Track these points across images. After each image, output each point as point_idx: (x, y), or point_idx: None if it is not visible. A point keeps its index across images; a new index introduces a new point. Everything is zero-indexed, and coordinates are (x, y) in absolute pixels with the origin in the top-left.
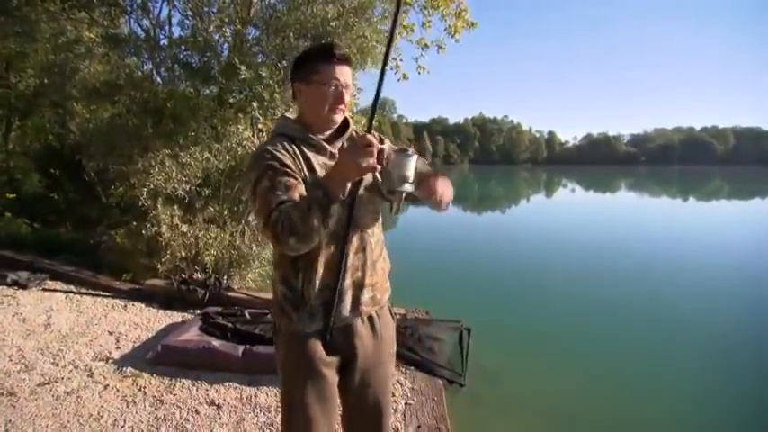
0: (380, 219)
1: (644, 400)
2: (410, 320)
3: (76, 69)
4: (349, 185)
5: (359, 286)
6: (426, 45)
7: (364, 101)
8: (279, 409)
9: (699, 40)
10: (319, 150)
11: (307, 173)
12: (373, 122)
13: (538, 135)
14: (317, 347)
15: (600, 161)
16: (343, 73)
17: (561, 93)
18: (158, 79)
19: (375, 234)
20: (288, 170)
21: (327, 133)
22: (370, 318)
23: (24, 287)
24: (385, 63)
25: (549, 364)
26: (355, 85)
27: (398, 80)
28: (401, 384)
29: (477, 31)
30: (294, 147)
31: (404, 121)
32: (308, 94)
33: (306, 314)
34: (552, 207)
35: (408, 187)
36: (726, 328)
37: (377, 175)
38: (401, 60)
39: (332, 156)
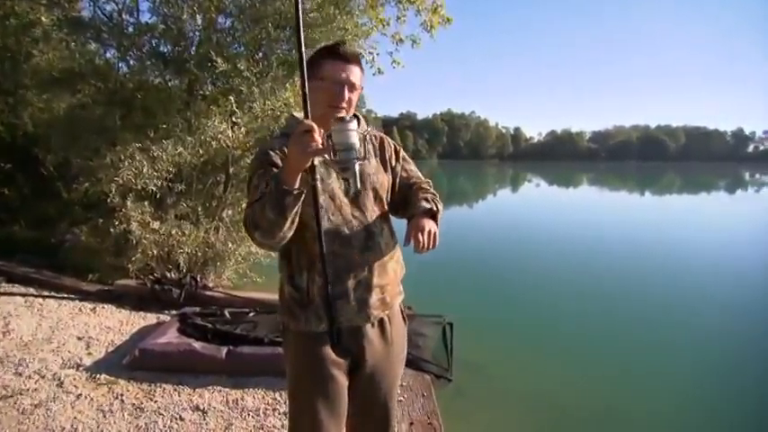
0: (389, 220)
1: (627, 390)
2: None
3: (30, 55)
4: (299, 175)
5: (366, 287)
6: (401, 40)
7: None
8: (267, 412)
9: (665, 40)
10: None
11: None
12: (308, 108)
13: (504, 131)
14: (326, 348)
15: (563, 157)
16: (347, 70)
17: (527, 89)
18: (124, 68)
19: (384, 234)
20: (276, 170)
21: None
22: (381, 322)
23: None
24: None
25: (531, 355)
26: None
27: (374, 74)
28: None
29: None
30: None
31: (373, 115)
32: (313, 92)
33: (313, 314)
34: (518, 202)
35: (357, 155)
36: (686, 313)
37: (327, 157)
38: (377, 54)
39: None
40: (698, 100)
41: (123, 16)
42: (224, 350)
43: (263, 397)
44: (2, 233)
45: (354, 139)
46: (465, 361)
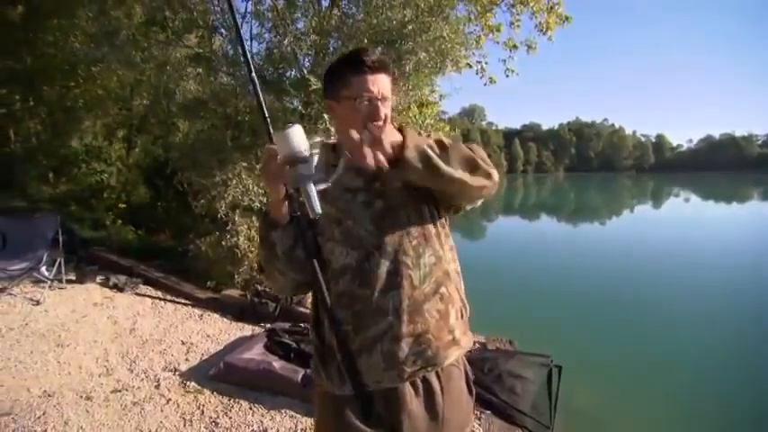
0: (436, 241)
1: None
2: (489, 352)
3: (175, 89)
4: (283, 205)
5: (393, 337)
6: (515, 46)
7: (451, 108)
8: None
9: None
10: (345, 175)
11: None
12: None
13: (644, 139)
14: (353, 416)
15: (723, 166)
16: (378, 83)
17: (672, 90)
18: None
19: (422, 264)
20: None
21: None
22: (428, 387)
23: (121, 290)
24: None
25: (655, 413)
26: (436, 90)
27: (485, 84)
28: None
29: (569, 27)
30: None
31: (494, 127)
32: (340, 112)
33: (335, 371)
34: (661, 219)
35: (307, 170)
36: None
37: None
38: (486, 63)
39: (371, 178)
40: None
41: (229, 46)
42: (300, 373)
43: None
44: (150, 241)
45: (297, 145)
46: (573, 414)
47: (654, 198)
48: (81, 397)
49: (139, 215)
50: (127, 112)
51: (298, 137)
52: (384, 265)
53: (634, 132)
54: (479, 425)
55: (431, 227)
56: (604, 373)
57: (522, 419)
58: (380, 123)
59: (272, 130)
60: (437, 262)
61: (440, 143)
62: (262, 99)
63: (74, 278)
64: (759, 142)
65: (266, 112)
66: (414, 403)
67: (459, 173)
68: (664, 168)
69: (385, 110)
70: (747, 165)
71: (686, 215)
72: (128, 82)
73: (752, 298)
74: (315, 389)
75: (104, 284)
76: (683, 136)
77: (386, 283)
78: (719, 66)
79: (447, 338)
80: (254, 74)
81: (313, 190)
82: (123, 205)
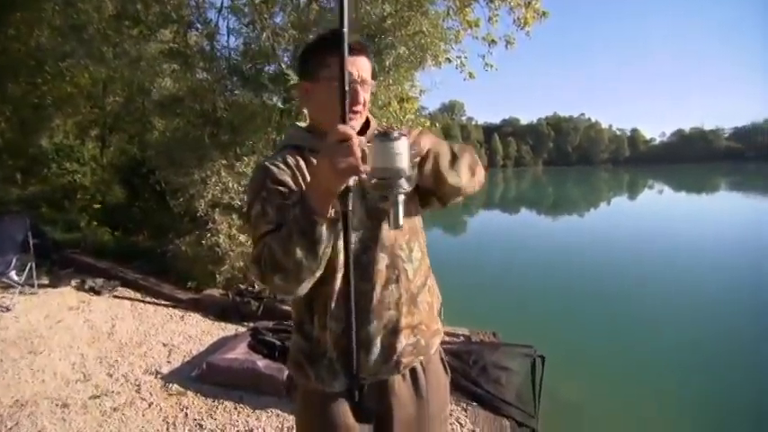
0: (421, 235)
1: None
2: (474, 344)
3: (150, 86)
4: (332, 200)
5: (393, 330)
6: (494, 41)
7: (431, 103)
8: None
9: None
10: None
11: None
12: (346, 105)
13: (619, 133)
14: (343, 412)
15: (693, 159)
16: (358, 65)
17: (645, 86)
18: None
19: (414, 258)
20: (283, 188)
21: None
22: (414, 372)
23: (99, 293)
24: None
25: (639, 402)
26: (416, 86)
27: (464, 79)
28: (461, 425)
29: (547, 22)
30: (299, 159)
31: (473, 123)
32: (317, 94)
33: (324, 369)
34: (637, 210)
35: (404, 185)
36: None
37: (363, 178)
38: (465, 57)
39: None
40: None
41: (212, 42)
42: (286, 372)
43: None
44: (127, 242)
45: (403, 162)
46: (557, 405)
47: (630, 190)
48: (57, 405)
49: (116, 216)
50: (99, 110)
51: (407, 151)
52: (383, 260)
53: (610, 126)
54: (466, 416)
55: (417, 222)
56: (586, 363)
57: (508, 410)
58: (359, 108)
59: (346, 107)
60: (422, 256)
61: (452, 151)
62: (345, 61)
63: (47, 282)
64: (726, 135)
65: (347, 85)
66: (402, 388)
67: (461, 181)
68: (638, 161)
69: (364, 94)
70: (716, 157)
71: (661, 206)
72: (99, 78)
73: (727, 285)
74: (296, 392)
75: (80, 288)
76: (656, 130)
77: (386, 277)
78: (691, 63)
79: (434, 328)
80: (345, 28)
81: (402, 200)
82: (98, 206)
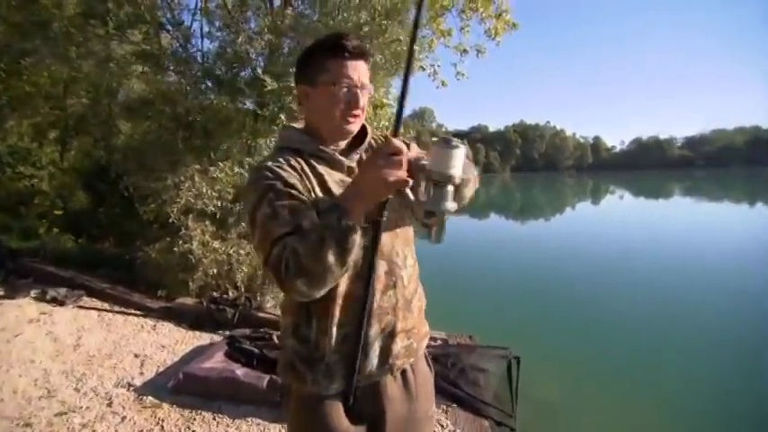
0: (412, 246)
1: None
2: (452, 348)
3: (119, 87)
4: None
5: (390, 334)
6: (465, 50)
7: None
8: None
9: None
10: (333, 165)
11: (319, 193)
12: (401, 126)
13: (582, 141)
14: (337, 414)
15: (650, 166)
16: (358, 70)
17: (607, 95)
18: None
19: (408, 264)
20: (293, 191)
21: (342, 144)
22: (404, 373)
23: (62, 304)
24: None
25: (612, 400)
26: (391, 93)
27: (437, 87)
28: (442, 426)
29: (515, 33)
30: (302, 162)
31: (443, 129)
32: (316, 98)
33: (321, 373)
34: (600, 216)
35: (450, 206)
36: None
37: (408, 191)
38: (439, 66)
39: (350, 171)
40: None
41: (186, 44)
42: (265, 379)
43: None
44: (92, 249)
45: (457, 170)
46: (533, 404)
47: (593, 196)
48: (17, 425)
49: (79, 222)
50: (60, 112)
51: (462, 161)
52: (382, 267)
53: (574, 134)
54: (447, 417)
55: (410, 230)
56: (558, 362)
57: (487, 410)
58: (359, 112)
59: (402, 112)
60: (414, 263)
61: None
62: (412, 63)
63: (2, 294)
64: (678, 144)
65: (405, 103)
66: (393, 389)
67: (465, 201)
68: (600, 168)
69: (363, 99)
70: (670, 164)
71: (622, 211)
72: (60, 78)
73: (686, 284)
74: (288, 397)
75: (41, 299)
76: (616, 138)
77: (385, 283)
78: (648, 71)
79: (423, 330)
80: (419, 29)
81: (447, 216)
82: (60, 212)
